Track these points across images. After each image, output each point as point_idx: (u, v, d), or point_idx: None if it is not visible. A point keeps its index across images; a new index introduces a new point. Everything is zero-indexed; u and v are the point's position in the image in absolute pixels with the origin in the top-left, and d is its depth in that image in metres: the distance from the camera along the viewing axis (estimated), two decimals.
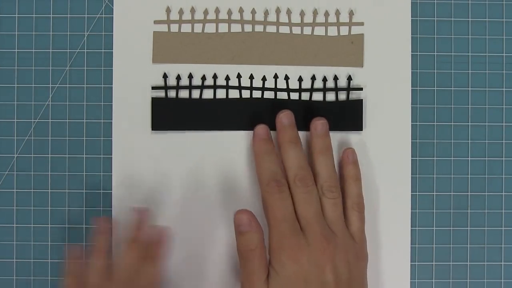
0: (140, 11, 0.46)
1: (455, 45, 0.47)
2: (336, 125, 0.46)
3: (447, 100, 0.47)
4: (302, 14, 0.46)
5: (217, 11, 0.46)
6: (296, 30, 0.46)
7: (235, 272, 0.45)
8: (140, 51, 0.46)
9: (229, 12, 0.46)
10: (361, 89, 0.46)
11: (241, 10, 0.46)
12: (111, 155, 0.46)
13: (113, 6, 0.46)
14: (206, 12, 0.46)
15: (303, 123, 0.46)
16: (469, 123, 0.47)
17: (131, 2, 0.46)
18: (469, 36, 0.47)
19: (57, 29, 0.46)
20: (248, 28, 0.46)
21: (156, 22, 0.46)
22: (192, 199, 0.45)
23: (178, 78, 0.46)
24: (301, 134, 0.46)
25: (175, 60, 0.46)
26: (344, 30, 0.46)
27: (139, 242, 0.42)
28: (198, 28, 0.46)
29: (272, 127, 0.46)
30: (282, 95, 0.46)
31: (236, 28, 0.46)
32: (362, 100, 0.46)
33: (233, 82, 0.46)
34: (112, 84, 0.46)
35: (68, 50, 0.46)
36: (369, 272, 0.44)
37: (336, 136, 0.46)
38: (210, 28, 0.46)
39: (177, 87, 0.46)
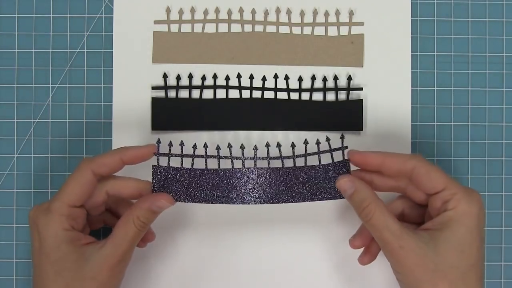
0: (140, 11, 0.46)
1: (455, 45, 0.47)
2: (336, 125, 0.46)
3: (447, 100, 0.47)
4: (302, 14, 0.46)
5: (217, 11, 0.46)
6: (296, 30, 0.46)
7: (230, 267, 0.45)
8: (140, 51, 0.46)
9: (229, 12, 0.46)
10: (361, 89, 0.46)
11: (241, 10, 0.46)
12: None
13: (113, 6, 0.46)
14: (206, 12, 0.46)
15: (303, 123, 0.46)
16: (469, 123, 0.47)
17: (131, 2, 0.46)
18: (469, 36, 0.47)
19: (57, 29, 0.46)
20: (248, 28, 0.46)
21: (156, 22, 0.46)
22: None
23: (178, 78, 0.46)
24: (301, 134, 0.46)
25: (175, 60, 0.46)
26: (344, 30, 0.46)
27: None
28: (198, 28, 0.46)
29: (272, 127, 0.46)
30: (282, 95, 0.46)
31: (236, 28, 0.46)
32: (362, 100, 0.46)
33: (233, 82, 0.46)
34: (112, 84, 0.46)
35: (68, 50, 0.46)
36: (370, 272, 0.44)
37: (336, 136, 0.46)
38: (210, 28, 0.46)
39: (177, 87, 0.46)
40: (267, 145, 0.41)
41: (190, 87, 0.46)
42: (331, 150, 0.40)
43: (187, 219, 0.46)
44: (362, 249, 0.42)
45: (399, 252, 0.36)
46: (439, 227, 0.37)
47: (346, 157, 0.40)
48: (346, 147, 0.40)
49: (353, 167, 0.40)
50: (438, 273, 0.36)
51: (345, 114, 0.46)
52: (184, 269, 0.45)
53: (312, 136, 0.45)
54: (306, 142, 0.41)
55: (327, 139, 0.41)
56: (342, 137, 0.40)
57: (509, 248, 0.46)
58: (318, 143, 0.41)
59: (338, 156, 0.40)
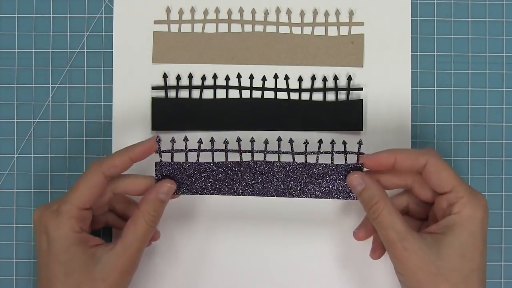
0: (140, 11, 0.46)
1: (455, 45, 0.47)
2: (336, 125, 0.46)
3: (447, 100, 0.47)
4: (302, 14, 0.46)
5: (217, 11, 0.46)
6: (296, 30, 0.46)
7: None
8: (140, 51, 0.46)
9: (229, 12, 0.46)
10: (361, 89, 0.46)
11: (241, 10, 0.46)
12: None
13: (113, 6, 0.46)
14: (206, 12, 0.46)
15: (303, 123, 0.46)
16: (469, 123, 0.47)
17: (131, 2, 0.46)
18: (469, 36, 0.47)
19: (57, 29, 0.46)
20: (248, 28, 0.46)
21: (156, 22, 0.46)
22: (192, 199, 0.45)
23: (178, 78, 0.46)
24: (301, 134, 0.46)
25: (175, 60, 0.46)
26: (344, 30, 0.46)
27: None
28: (198, 28, 0.46)
29: (271, 127, 0.46)
30: (282, 95, 0.46)
31: (236, 28, 0.46)
32: (362, 100, 0.46)
33: (233, 82, 0.46)
34: (112, 84, 0.46)
35: (68, 50, 0.46)
36: (371, 272, 0.44)
37: (336, 136, 0.46)
38: (210, 28, 0.46)
39: (177, 87, 0.46)
40: (279, 140, 0.41)
41: (190, 87, 0.46)
42: (346, 153, 0.40)
43: (190, 218, 0.46)
44: (370, 250, 0.42)
45: (402, 253, 0.36)
46: (443, 231, 0.37)
47: (360, 162, 0.40)
48: (363, 153, 0.40)
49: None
50: (440, 277, 0.36)
51: (345, 114, 0.46)
52: (186, 268, 0.45)
53: (312, 136, 0.45)
54: (320, 141, 0.41)
55: (344, 143, 0.40)
56: (360, 143, 0.40)
57: (509, 248, 0.46)
58: (332, 143, 0.41)
59: (344, 159, 0.41)
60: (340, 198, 0.40)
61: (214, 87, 0.46)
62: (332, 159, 0.40)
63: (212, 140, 0.41)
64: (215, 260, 0.45)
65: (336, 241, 0.46)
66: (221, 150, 0.40)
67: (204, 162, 0.40)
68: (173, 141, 0.40)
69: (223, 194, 0.40)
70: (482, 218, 0.37)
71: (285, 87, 0.46)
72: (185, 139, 0.40)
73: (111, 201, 0.42)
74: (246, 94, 0.46)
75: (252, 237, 0.46)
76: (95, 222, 0.42)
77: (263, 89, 0.46)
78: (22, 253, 0.46)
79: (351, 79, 0.46)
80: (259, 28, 0.46)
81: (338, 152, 0.40)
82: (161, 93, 0.46)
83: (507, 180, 0.46)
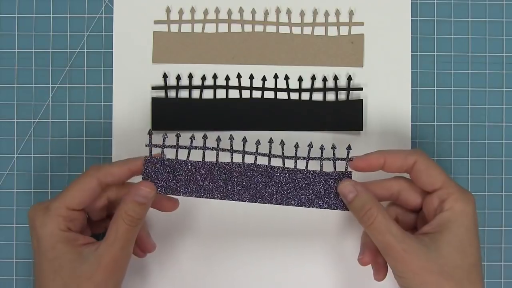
0: (140, 11, 0.46)
1: (455, 45, 0.47)
2: (336, 125, 0.46)
3: (447, 100, 0.47)
4: (302, 14, 0.46)
5: (217, 11, 0.46)
6: (296, 30, 0.46)
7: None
8: (140, 51, 0.46)
9: (229, 12, 0.46)
10: (361, 89, 0.46)
11: (241, 10, 0.46)
12: (111, 155, 0.46)
13: (113, 6, 0.46)
14: (206, 12, 0.46)
15: (303, 123, 0.46)
16: (469, 123, 0.47)
17: (131, 2, 0.46)
18: (469, 36, 0.47)
19: (57, 29, 0.46)
20: (248, 28, 0.46)
21: (156, 22, 0.46)
22: (191, 198, 0.45)
23: (178, 78, 0.46)
24: (301, 134, 0.46)
25: (175, 60, 0.46)
26: (344, 30, 0.46)
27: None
28: (198, 28, 0.46)
29: (272, 127, 0.46)
30: (282, 95, 0.46)
31: (236, 28, 0.46)
32: (362, 100, 0.46)
33: (233, 82, 0.46)
34: (112, 84, 0.46)
35: (68, 50, 0.46)
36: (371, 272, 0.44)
37: (336, 136, 0.46)
38: (210, 28, 0.46)
39: (177, 87, 0.46)
40: (270, 141, 0.40)
41: (190, 87, 0.46)
42: (334, 159, 0.40)
43: (187, 228, 0.45)
44: (370, 268, 0.42)
45: (403, 255, 0.36)
46: (438, 229, 0.37)
47: (349, 169, 0.40)
48: (351, 159, 0.39)
49: (354, 173, 0.40)
50: (444, 275, 0.36)
51: (345, 114, 0.46)
52: (184, 279, 0.45)
53: (312, 136, 0.45)
54: (310, 145, 0.40)
55: (333, 147, 0.40)
56: (349, 148, 0.40)
57: (509, 248, 0.46)
58: (322, 148, 0.40)
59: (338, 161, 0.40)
60: (329, 208, 0.40)
61: (214, 87, 0.46)
62: (321, 166, 0.40)
63: (204, 137, 0.40)
64: (212, 273, 0.45)
65: (335, 260, 0.46)
66: (211, 149, 0.40)
67: (192, 161, 0.39)
68: (164, 136, 0.39)
69: (210, 197, 0.39)
70: (473, 213, 0.37)
71: (285, 87, 0.46)
72: (177, 135, 0.39)
73: (111, 208, 0.42)
74: (246, 94, 0.46)
75: (252, 251, 0.46)
76: (95, 226, 0.42)
77: (263, 89, 0.46)
78: (22, 253, 0.46)
79: (351, 79, 0.46)
80: (259, 28, 0.46)
81: (327, 159, 0.40)
82: (161, 93, 0.46)
83: (507, 180, 0.46)
